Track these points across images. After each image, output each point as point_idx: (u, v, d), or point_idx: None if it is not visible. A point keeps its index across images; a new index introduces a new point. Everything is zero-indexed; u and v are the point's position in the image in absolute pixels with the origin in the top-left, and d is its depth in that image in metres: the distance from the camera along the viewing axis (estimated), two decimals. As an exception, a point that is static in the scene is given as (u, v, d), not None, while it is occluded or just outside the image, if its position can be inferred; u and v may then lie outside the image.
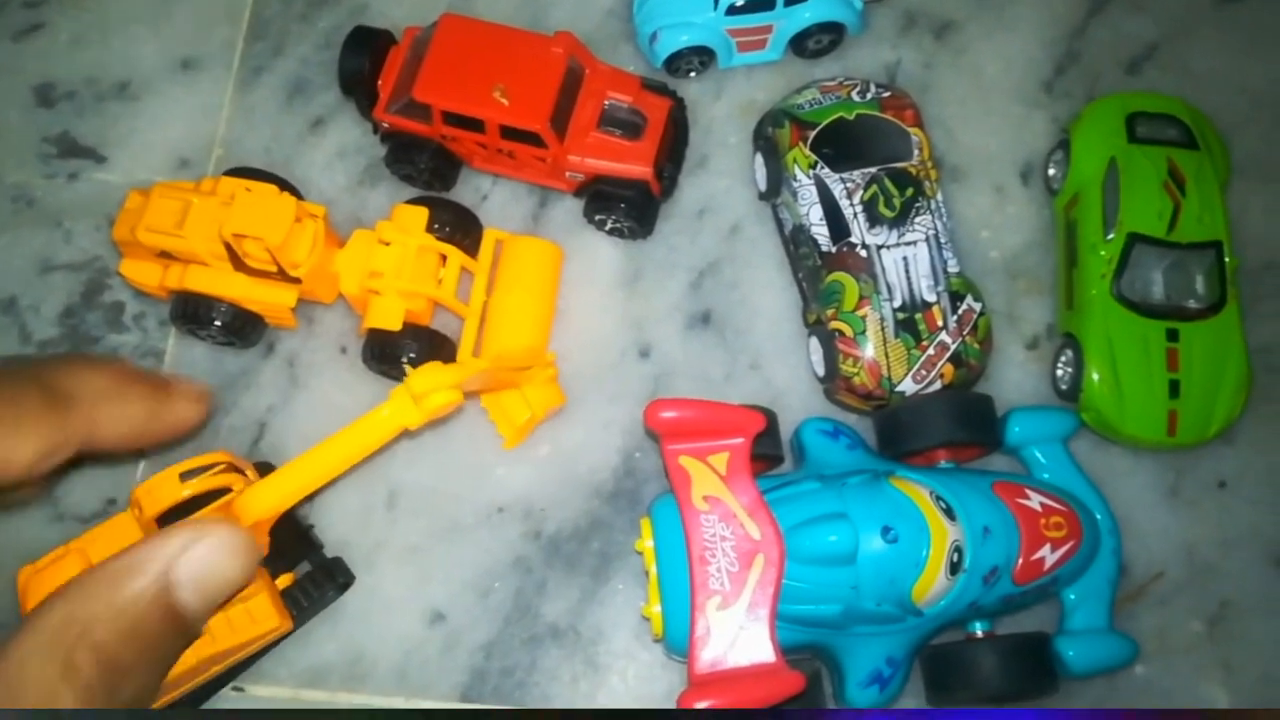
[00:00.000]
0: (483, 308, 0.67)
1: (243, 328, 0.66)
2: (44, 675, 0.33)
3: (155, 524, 0.55)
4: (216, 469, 0.55)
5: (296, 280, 0.63)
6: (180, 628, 0.36)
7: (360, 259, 0.64)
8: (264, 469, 0.62)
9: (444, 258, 0.66)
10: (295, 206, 0.60)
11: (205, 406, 0.51)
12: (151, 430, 0.46)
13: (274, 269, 0.62)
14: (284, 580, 0.61)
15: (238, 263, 0.63)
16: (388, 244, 0.64)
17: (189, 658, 0.54)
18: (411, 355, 0.64)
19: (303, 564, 0.63)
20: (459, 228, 0.67)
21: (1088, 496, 0.62)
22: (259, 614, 0.56)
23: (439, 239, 0.65)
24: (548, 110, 0.65)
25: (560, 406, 0.65)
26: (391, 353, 0.64)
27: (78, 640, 0.33)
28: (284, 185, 0.66)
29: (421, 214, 0.65)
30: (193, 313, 0.65)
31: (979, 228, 0.73)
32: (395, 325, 0.64)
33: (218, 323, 0.65)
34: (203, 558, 0.37)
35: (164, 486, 0.55)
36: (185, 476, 0.55)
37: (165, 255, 0.65)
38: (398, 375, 0.66)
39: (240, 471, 0.57)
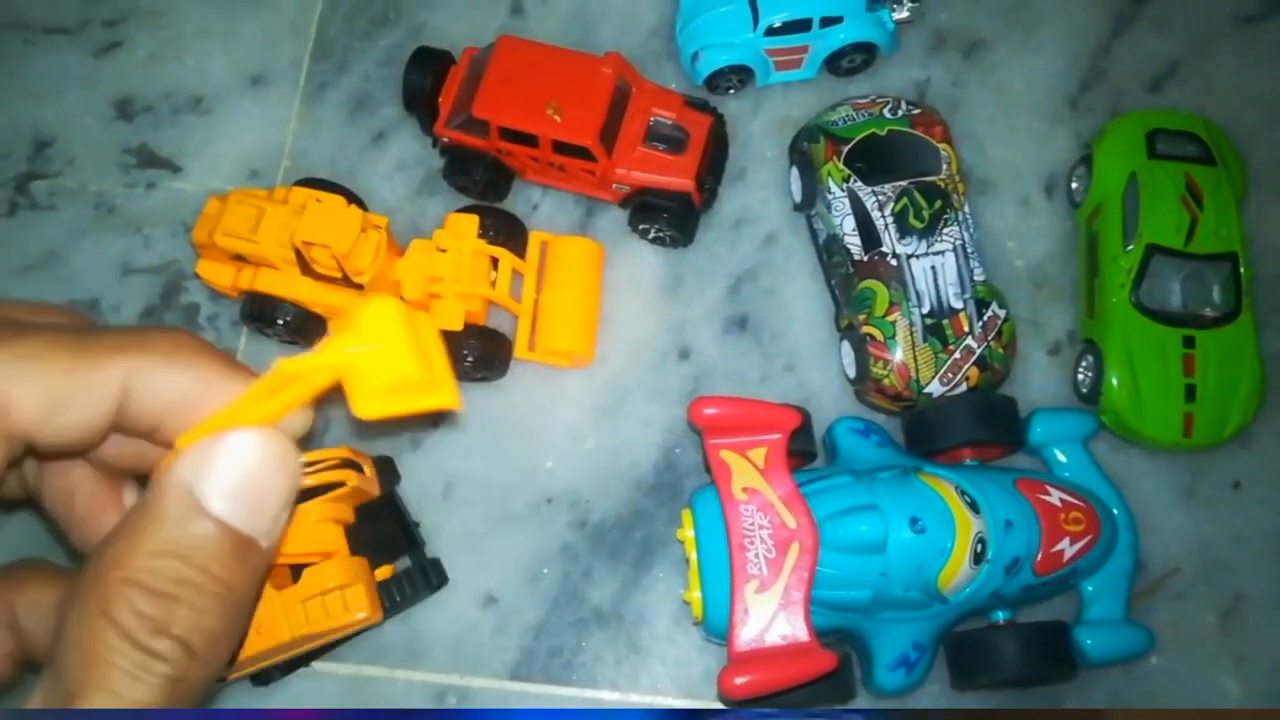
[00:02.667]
0: (534, 304, 0.72)
1: (305, 327, 0.71)
2: (88, 629, 0.30)
3: None
4: (334, 462, 0.59)
5: (359, 286, 0.67)
6: (232, 545, 0.33)
7: (420, 266, 0.68)
8: (383, 463, 0.66)
9: (495, 261, 0.70)
10: (361, 218, 0.65)
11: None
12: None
13: (339, 275, 0.67)
14: (383, 572, 0.65)
15: (305, 268, 0.67)
16: (444, 251, 0.69)
17: (282, 633, 0.58)
18: (474, 354, 0.69)
19: (403, 559, 0.67)
20: (506, 232, 0.72)
21: (1106, 494, 0.65)
22: (354, 603, 0.59)
23: (489, 243, 0.70)
24: (597, 126, 0.69)
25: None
26: (454, 352, 0.69)
27: (118, 583, 0.31)
28: (351, 196, 0.71)
29: (473, 221, 0.70)
30: (261, 312, 0.70)
31: (1005, 238, 0.76)
32: (457, 326, 0.68)
33: (282, 322, 0.70)
34: (223, 464, 0.34)
35: None
36: (306, 467, 0.58)
37: (239, 258, 0.70)
38: (460, 374, 0.70)
39: (358, 467, 0.61)
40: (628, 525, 0.70)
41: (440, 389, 0.46)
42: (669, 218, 0.72)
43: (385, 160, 0.79)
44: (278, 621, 0.58)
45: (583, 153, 0.70)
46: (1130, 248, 0.69)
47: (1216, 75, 0.80)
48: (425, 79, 0.74)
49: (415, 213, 0.77)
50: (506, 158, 0.73)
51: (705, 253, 0.76)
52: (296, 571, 0.61)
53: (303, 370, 0.44)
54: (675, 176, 0.71)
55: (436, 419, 0.72)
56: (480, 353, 0.69)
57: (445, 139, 0.73)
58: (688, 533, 0.62)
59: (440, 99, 0.73)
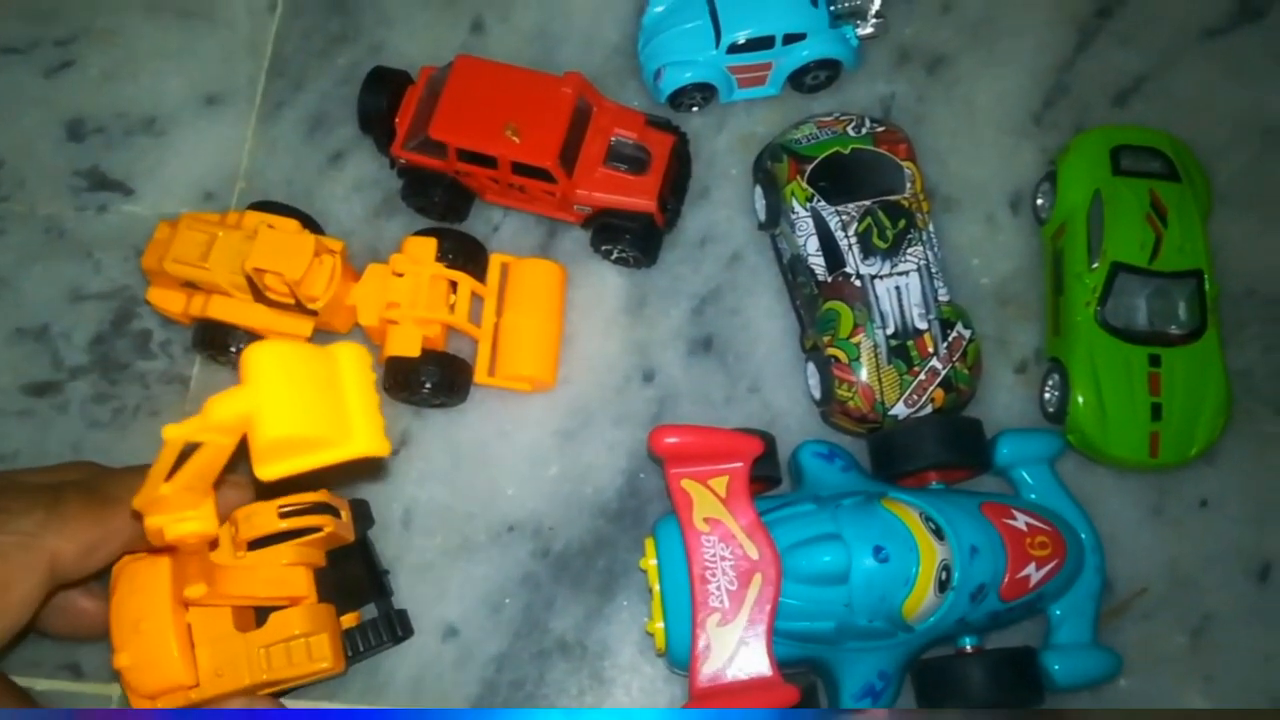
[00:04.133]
0: (494, 328, 0.71)
1: None
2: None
3: (246, 547, 0.58)
4: (310, 505, 0.58)
5: (314, 312, 0.66)
6: None
7: (376, 292, 0.67)
8: (359, 506, 0.65)
9: (454, 284, 0.69)
10: (314, 243, 0.63)
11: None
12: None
13: (292, 301, 0.65)
14: (348, 619, 0.63)
15: (258, 294, 0.66)
16: (401, 275, 0.67)
17: (243, 678, 0.56)
18: (432, 380, 0.67)
19: (369, 607, 0.65)
20: (466, 255, 0.70)
21: (1073, 516, 0.64)
22: (317, 652, 0.58)
23: (448, 267, 0.69)
24: (557, 147, 0.68)
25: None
26: (412, 378, 0.67)
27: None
28: (306, 219, 0.70)
29: (431, 244, 0.69)
30: (213, 340, 0.69)
31: (970, 255, 0.75)
32: (414, 352, 0.67)
33: (235, 349, 0.69)
34: None
35: (263, 515, 0.57)
36: (284, 510, 0.57)
37: (190, 285, 0.68)
38: (419, 400, 0.69)
39: (335, 511, 0.59)
40: (591, 553, 0.69)
41: (351, 437, 0.43)
42: (631, 238, 0.71)
43: (343, 181, 0.77)
44: (239, 666, 0.57)
45: (542, 174, 0.69)
46: (1095, 265, 0.69)
47: (1182, 89, 0.80)
48: (381, 100, 0.72)
49: (374, 234, 0.76)
50: (466, 179, 0.72)
51: (669, 273, 0.75)
52: (262, 614, 0.60)
53: (187, 435, 0.42)
54: (637, 197, 0.70)
55: (396, 448, 0.70)
56: (439, 379, 0.67)
57: (403, 160, 0.72)
58: (650, 562, 0.61)
59: (397, 120, 0.72)
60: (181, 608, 0.57)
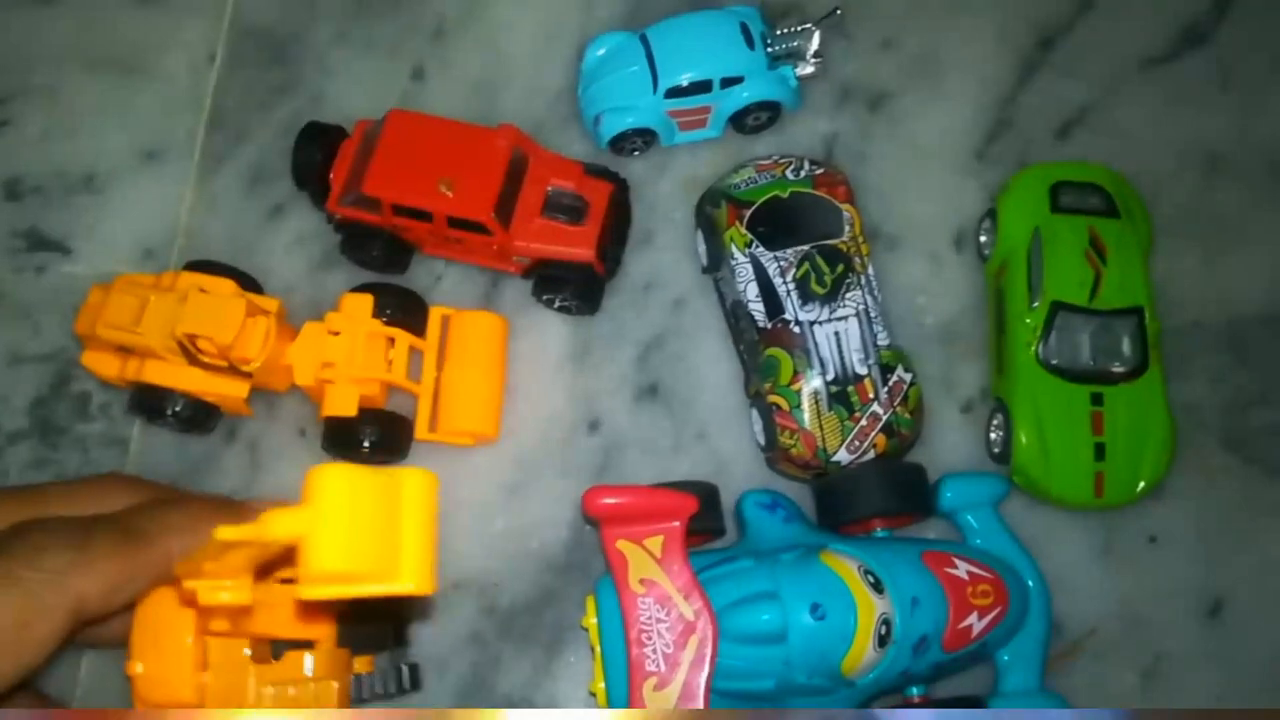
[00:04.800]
0: (435, 383, 0.70)
1: (198, 417, 0.69)
2: None
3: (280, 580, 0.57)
4: None
5: (249, 375, 0.65)
6: None
7: (312, 351, 0.66)
8: None
9: (392, 340, 0.69)
10: (245, 306, 0.63)
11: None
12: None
13: (225, 364, 0.65)
14: (361, 664, 0.62)
15: (192, 358, 0.65)
16: (337, 334, 0.67)
17: (242, 704, 0.56)
18: (371, 439, 0.67)
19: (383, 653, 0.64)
20: (404, 309, 0.70)
21: (1018, 561, 0.64)
22: (323, 698, 0.57)
23: (386, 322, 0.68)
24: (492, 201, 0.68)
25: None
26: (350, 438, 0.67)
27: None
28: (243, 277, 0.69)
29: (367, 300, 0.68)
30: (150, 403, 0.68)
31: (914, 294, 0.75)
32: (351, 411, 0.66)
33: (172, 413, 0.68)
34: None
35: None
36: None
37: (124, 348, 0.67)
38: (359, 459, 0.69)
39: None
40: (538, 608, 0.68)
41: (399, 574, 0.43)
42: (572, 288, 0.71)
43: (284, 234, 0.77)
44: (243, 693, 0.57)
45: (479, 227, 0.68)
46: (1036, 304, 0.69)
47: (1125, 120, 0.80)
48: (315, 155, 0.72)
49: (316, 289, 0.75)
50: (404, 233, 0.71)
51: (613, 319, 0.75)
52: (278, 647, 0.59)
53: (238, 539, 0.43)
54: (575, 247, 0.70)
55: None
56: (378, 437, 0.67)
57: (339, 216, 0.72)
58: (592, 620, 0.61)
59: (332, 175, 0.71)
60: (203, 633, 0.57)
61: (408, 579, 0.43)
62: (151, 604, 0.57)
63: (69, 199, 0.78)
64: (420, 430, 0.69)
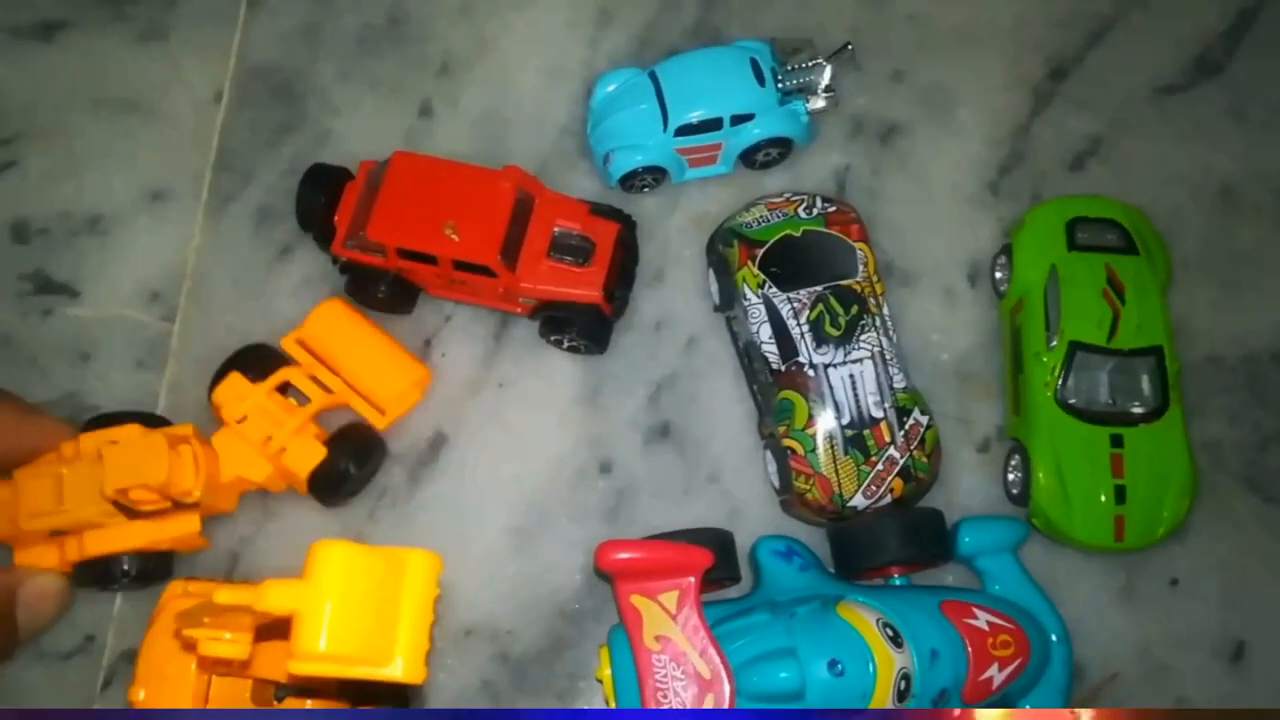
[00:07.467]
0: (345, 383, 0.70)
1: (150, 568, 0.66)
2: None
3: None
4: None
5: (195, 505, 0.63)
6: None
7: (241, 451, 0.65)
8: None
9: (281, 388, 0.68)
10: (165, 440, 0.61)
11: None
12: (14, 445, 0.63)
13: (168, 504, 0.63)
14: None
15: (130, 513, 0.63)
16: (244, 419, 0.66)
17: None
18: (352, 461, 0.67)
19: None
20: (263, 363, 0.69)
21: (1038, 608, 0.63)
22: None
23: (259, 382, 0.67)
24: (497, 244, 0.67)
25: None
26: (336, 477, 0.67)
27: None
28: (141, 416, 0.67)
29: (237, 380, 0.67)
30: (99, 575, 0.65)
31: (929, 330, 0.74)
32: (320, 453, 0.66)
33: (123, 574, 0.65)
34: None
35: None
36: None
37: (57, 531, 0.65)
38: (357, 487, 0.69)
39: None
40: (550, 657, 0.67)
41: (390, 662, 0.43)
42: (579, 329, 0.70)
43: (291, 275, 0.76)
44: None
45: (484, 270, 0.68)
46: (1054, 344, 0.68)
47: (1139, 151, 0.79)
48: (320, 197, 0.71)
49: (324, 330, 0.74)
50: (409, 275, 0.71)
51: (624, 359, 0.74)
52: (281, 691, 0.60)
53: (236, 603, 0.43)
54: (582, 289, 0.69)
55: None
56: (359, 456, 0.67)
57: (344, 259, 0.71)
58: (606, 672, 0.60)
59: (336, 218, 0.71)
60: (207, 670, 0.58)
61: (397, 669, 0.43)
62: (162, 628, 0.58)
63: (75, 241, 0.78)
64: (376, 422, 0.70)
